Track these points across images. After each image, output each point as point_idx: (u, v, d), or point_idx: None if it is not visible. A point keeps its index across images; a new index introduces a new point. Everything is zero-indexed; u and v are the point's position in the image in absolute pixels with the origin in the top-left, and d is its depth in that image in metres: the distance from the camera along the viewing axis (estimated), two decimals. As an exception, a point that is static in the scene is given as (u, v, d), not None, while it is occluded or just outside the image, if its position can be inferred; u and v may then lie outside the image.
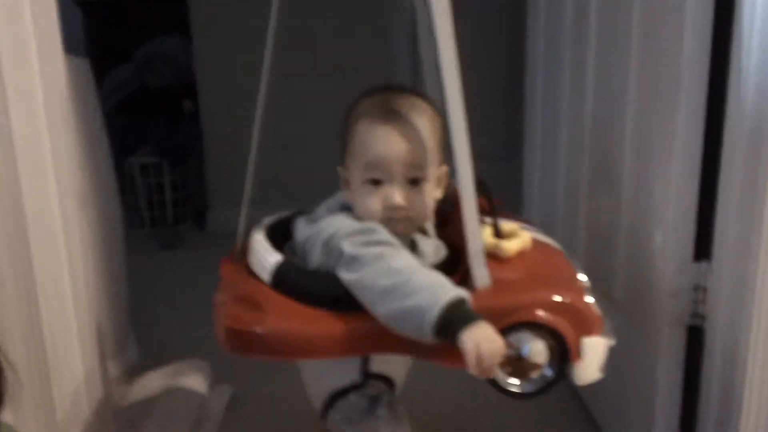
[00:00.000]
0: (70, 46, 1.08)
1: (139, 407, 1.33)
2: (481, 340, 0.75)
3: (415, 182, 0.91)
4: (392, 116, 0.90)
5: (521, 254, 0.89)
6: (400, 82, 0.99)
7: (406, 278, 0.80)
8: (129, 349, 1.59)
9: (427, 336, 0.78)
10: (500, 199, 1.10)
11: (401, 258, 0.84)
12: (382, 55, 2.64)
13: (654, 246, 1.11)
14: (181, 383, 1.42)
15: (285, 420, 1.39)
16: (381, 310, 0.81)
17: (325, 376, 0.95)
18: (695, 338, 1.08)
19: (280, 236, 0.98)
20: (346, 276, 0.84)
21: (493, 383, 0.83)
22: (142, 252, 2.59)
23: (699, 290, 1.06)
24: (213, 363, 1.54)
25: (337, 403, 0.93)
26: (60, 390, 1.01)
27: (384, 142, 0.90)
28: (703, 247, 1.05)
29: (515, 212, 1.13)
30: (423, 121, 0.91)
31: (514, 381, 0.84)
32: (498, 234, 0.91)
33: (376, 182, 0.91)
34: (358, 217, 0.92)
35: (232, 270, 0.97)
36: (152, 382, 1.43)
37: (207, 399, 1.43)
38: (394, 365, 0.95)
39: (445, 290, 0.79)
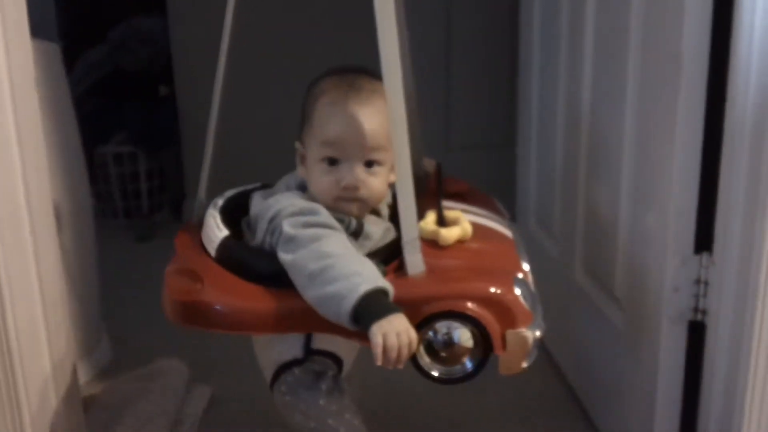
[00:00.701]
0: (38, 30, 1.05)
1: (113, 410, 1.29)
2: (389, 332, 0.78)
3: (370, 164, 0.93)
4: (354, 97, 0.92)
5: (460, 243, 0.91)
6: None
7: (332, 264, 0.82)
8: (102, 347, 1.55)
9: (346, 324, 0.80)
10: (463, 182, 1.12)
11: (334, 242, 0.85)
12: (364, 38, 2.58)
13: (654, 238, 1.08)
14: (157, 384, 1.38)
15: (265, 422, 1.35)
16: (308, 293, 0.83)
17: (270, 349, 0.97)
18: (696, 333, 1.06)
19: (241, 210, 1.00)
20: (283, 256, 0.86)
21: (418, 368, 0.86)
22: (116, 244, 2.54)
23: (700, 284, 1.03)
24: (191, 363, 1.50)
25: (283, 376, 0.95)
26: (27, 388, 0.99)
27: (344, 121, 0.91)
28: (703, 238, 1.02)
29: (488, 196, 1.14)
30: (383, 105, 0.89)
31: (436, 366, 0.86)
32: (441, 221, 0.92)
33: (332, 161, 0.93)
34: (312, 196, 0.95)
35: (186, 242, 1.00)
36: (126, 383, 1.40)
37: (184, 401, 1.39)
38: (338, 342, 0.94)
39: (365, 280, 0.80)
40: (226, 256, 0.91)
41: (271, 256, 0.88)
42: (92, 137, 2.55)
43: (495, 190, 1.17)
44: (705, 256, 1.02)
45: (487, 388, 1.46)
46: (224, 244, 0.92)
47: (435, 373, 0.86)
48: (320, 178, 0.93)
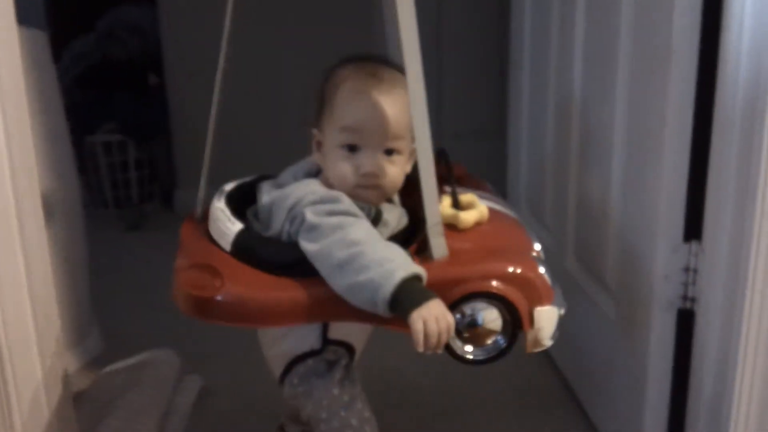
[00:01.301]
0: (25, 17, 1.03)
1: (103, 401, 1.27)
2: (429, 319, 0.78)
3: (390, 153, 0.92)
4: (377, 84, 0.91)
5: (478, 225, 0.92)
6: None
7: (361, 251, 0.81)
8: (92, 338, 1.54)
9: (381, 311, 0.80)
10: (462, 166, 1.12)
11: (360, 229, 0.84)
12: (363, 29, 2.56)
13: (644, 226, 1.08)
14: (147, 375, 1.37)
15: (256, 413, 1.35)
16: (337, 282, 0.82)
17: (284, 341, 0.96)
18: (686, 321, 1.06)
19: (241, 201, 0.98)
20: (306, 246, 0.84)
21: (449, 350, 0.85)
22: (106, 234, 2.53)
23: (689, 272, 1.04)
24: (181, 353, 1.49)
25: (296, 368, 0.95)
26: (18, 394, 0.96)
27: (367, 108, 0.90)
28: (692, 227, 1.02)
29: (481, 179, 1.15)
30: (404, 94, 0.90)
31: (469, 348, 0.86)
32: (456, 205, 0.93)
33: (351, 148, 0.92)
34: (328, 182, 0.94)
35: (193, 234, 0.97)
36: (116, 374, 1.38)
37: (175, 392, 1.38)
38: (353, 331, 0.96)
39: (399, 267, 0.79)
40: (244, 249, 0.89)
41: (293, 245, 0.86)
42: (81, 127, 2.53)
43: (487, 178, 1.17)
44: (694, 244, 1.02)
45: (480, 377, 1.47)
46: (241, 236, 0.90)
47: (470, 356, 0.86)
48: (339, 165, 0.92)
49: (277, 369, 0.97)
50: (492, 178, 1.18)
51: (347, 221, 0.85)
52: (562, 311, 0.88)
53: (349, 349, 0.97)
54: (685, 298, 1.05)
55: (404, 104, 0.90)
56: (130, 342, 1.55)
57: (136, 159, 2.71)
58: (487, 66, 2.54)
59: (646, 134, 1.07)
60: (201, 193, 1.04)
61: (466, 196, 0.95)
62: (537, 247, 0.94)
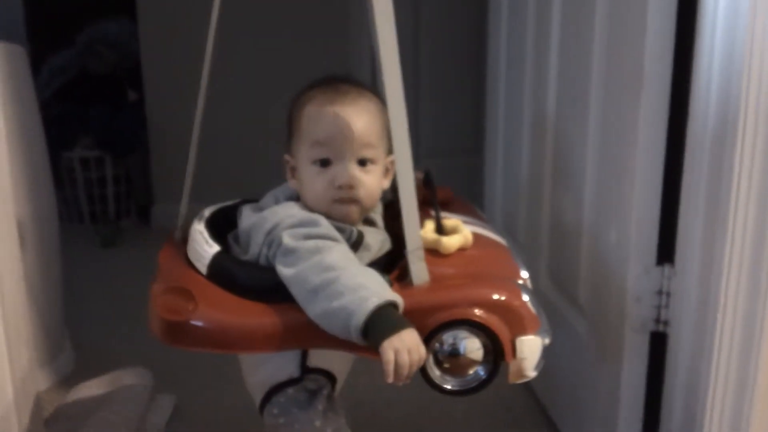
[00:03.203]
0: (4, 32, 1.02)
1: (74, 419, 1.26)
2: (401, 349, 0.75)
3: (364, 163, 0.91)
4: (341, 98, 0.91)
5: (462, 251, 0.89)
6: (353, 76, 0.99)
7: (336, 277, 0.79)
8: (64, 355, 1.53)
9: (355, 339, 0.77)
10: (449, 189, 1.11)
11: (337, 254, 0.83)
12: (340, 49, 2.58)
13: (617, 248, 1.09)
14: (120, 393, 1.35)
15: (230, 430, 1.34)
16: (312, 308, 0.79)
17: (262, 368, 0.93)
18: (659, 344, 1.06)
19: (223, 225, 0.97)
20: (282, 270, 0.83)
21: (427, 379, 0.83)
22: (81, 249, 2.50)
23: (662, 295, 1.04)
24: (155, 371, 1.48)
25: (275, 397, 0.92)
26: None
27: (334, 119, 0.89)
28: (666, 250, 1.03)
29: (469, 203, 1.13)
30: (371, 106, 0.91)
31: (448, 378, 0.84)
32: (440, 229, 0.91)
33: (324, 162, 0.91)
34: (306, 205, 0.92)
35: (171, 258, 0.95)
36: (88, 392, 1.36)
37: (148, 410, 1.36)
38: (333, 359, 0.93)
39: (374, 294, 0.77)
40: (220, 272, 0.87)
41: (270, 269, 0.84)
42: (59, 141, 2.52)
43: (463, 196, 1.17)
44: (667, 267, 1.03)
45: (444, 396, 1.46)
46: (217, 259, 0.88)
47: (447, 386, 0.83)
48: (314, 181, 0.91)
49: (257, 397, 0.94)
50: (469, 196, 1.18)
51: (325, 245, 0.83)
52: (547, 341, 0.84)
53: (330, 377, 0.94)
54: (658, 321, 1.05)
55: (372, 113, 0.90)
56: (102, 358, 1.54)
57: (113, 175, 2.70)
58: (464, 84, 2.56)
59: (619, 156, 1.07)
60: (182, 212, 1.02)
61: (450, 221, 0.93)
62: (524, 274, 0.91)
